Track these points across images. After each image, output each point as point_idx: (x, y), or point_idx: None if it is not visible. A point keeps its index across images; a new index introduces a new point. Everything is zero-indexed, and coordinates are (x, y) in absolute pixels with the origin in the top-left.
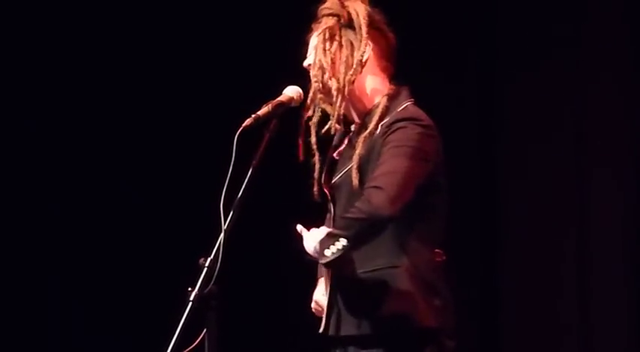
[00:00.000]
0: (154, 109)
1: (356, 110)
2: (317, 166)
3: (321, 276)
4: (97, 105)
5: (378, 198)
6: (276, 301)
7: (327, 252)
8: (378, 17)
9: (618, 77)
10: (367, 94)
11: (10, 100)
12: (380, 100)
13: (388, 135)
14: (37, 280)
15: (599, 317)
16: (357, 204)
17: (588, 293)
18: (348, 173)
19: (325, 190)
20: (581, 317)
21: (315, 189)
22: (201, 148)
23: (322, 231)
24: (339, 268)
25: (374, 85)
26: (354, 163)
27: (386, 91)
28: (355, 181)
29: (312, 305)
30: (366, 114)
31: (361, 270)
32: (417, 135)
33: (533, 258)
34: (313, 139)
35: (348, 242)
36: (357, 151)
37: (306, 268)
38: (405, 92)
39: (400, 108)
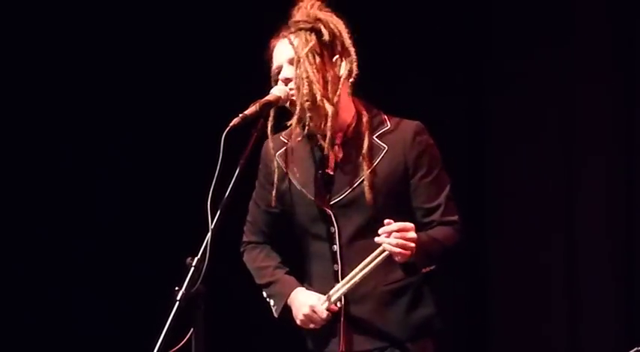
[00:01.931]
0: (142, 109)
1: (335, 125)
2: (276, 173)
3: (299, 286)
4: (85, 104)
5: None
6: (263, 301)
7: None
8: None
9: (605, 74)
10: (344, 109)
11: None
12: (361, 114)
13: (419, 158)
14: (26, 279)
15: (588, 320)
16: (443, 233)
17: (576, 289)
18: (359, 189)
19: (324, 208)
20: (569, 320)
21: (274, 194)
22: (188, 147)
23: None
24: (357, 287)
25: (347, 99)
26: (365, 181)
27: (352, 104)
28: (369, 197)
29: (307, 312)
30: (348, 129)
31: (382, 284)
32: (436, 149)
33: (522, 256)
34: (273, 144)
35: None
36: (366, 169)
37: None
38: (370, 104)
39: (387, 121)
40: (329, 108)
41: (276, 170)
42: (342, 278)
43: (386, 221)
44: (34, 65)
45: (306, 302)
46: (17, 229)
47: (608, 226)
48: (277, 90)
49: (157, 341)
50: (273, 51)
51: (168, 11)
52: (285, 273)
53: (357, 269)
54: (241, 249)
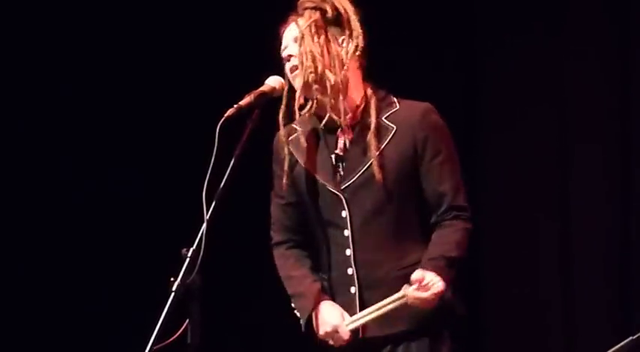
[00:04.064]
0: (137, 100)
1: (341, 101)
2: (287, 160)
3: (324, 300)
4: (83, 98)
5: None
6: (259, 291)
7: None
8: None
9: (600, 53)
10: (353, 90)
11: None
12: (369, 95)
13: (428, 138)
14: (24, 275)
15: (582, 312)
16: (449, 233)
17: (570, 275)
18: (369, 172)
19: (335, 192)
20: (564, 296)
21: (285, 180)
22: (183, 138)
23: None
24: (370, 272)
25: (356, 81)
26: (374, 162)
27: (361, 87)
28: (378, 178)
29: (330, 331)
30: (357, 111)
31: (396, 269)
32: (449, 136)
33: (514, 244)
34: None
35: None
36: (374, 151)
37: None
38: (381, 87)
39: (396, 103)
40: (331, 77)
41: (286, 156)
42: (354, 264)
43: (414, 276)
44: (34, 64)
45: (330, 322)
46: (15, 226)
47: (604, 216)
48: (272, 81)
49: (153, 332)
50: (282, 36)
51: (165, 3)
52: (313, 282)
53: (375, 307)
54: (272, 250)
